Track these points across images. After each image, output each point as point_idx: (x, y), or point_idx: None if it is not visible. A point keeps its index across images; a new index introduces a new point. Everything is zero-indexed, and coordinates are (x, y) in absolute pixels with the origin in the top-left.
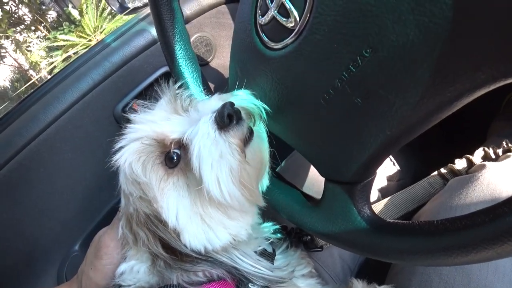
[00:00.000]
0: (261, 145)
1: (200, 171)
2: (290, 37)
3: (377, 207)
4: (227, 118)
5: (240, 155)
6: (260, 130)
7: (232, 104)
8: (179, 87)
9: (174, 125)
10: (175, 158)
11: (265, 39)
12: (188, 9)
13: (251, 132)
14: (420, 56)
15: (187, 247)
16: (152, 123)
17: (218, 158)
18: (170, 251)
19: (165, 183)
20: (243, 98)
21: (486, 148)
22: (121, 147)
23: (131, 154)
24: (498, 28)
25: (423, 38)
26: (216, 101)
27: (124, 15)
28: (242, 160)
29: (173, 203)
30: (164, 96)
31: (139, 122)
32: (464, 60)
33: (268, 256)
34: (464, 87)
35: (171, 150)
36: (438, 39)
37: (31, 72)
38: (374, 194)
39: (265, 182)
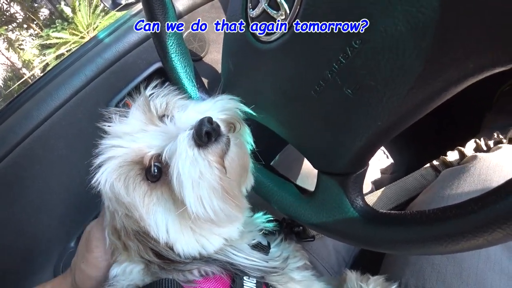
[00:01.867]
0: (240, 152)
1: (182, 192)
2: (280, 30)
3: (370, 199)
4: (205, 136)
5: (220, 171)
6: (241, 135)
7: (210, 120)
8: (154, 87)
9: (151, 139)
10: (156, 171)
11: (256, 32)
12: (180, 5)
13: (228, 142)
14: (408, 47)
15: (180, 257)
16: (128, 135)
17: (198, 178)
18: (163, 257)
19: (149, 198)
20: (223, 106)
21: (477, 140)
22: (99, 166)
23: (111, 173)
24: (486, 17)
25: (411, 29)
26: (194, 114)
27: (117, 11)
28: (223, 176)
29: (161, 219)
30: (136, 104)
31: (115, 135)
32: (453, 50)
33: (261, 248)
34: (453, 76)
35: (152, 165)
36: (426, 29)
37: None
38: (368, 187)
39: (249, 183)
